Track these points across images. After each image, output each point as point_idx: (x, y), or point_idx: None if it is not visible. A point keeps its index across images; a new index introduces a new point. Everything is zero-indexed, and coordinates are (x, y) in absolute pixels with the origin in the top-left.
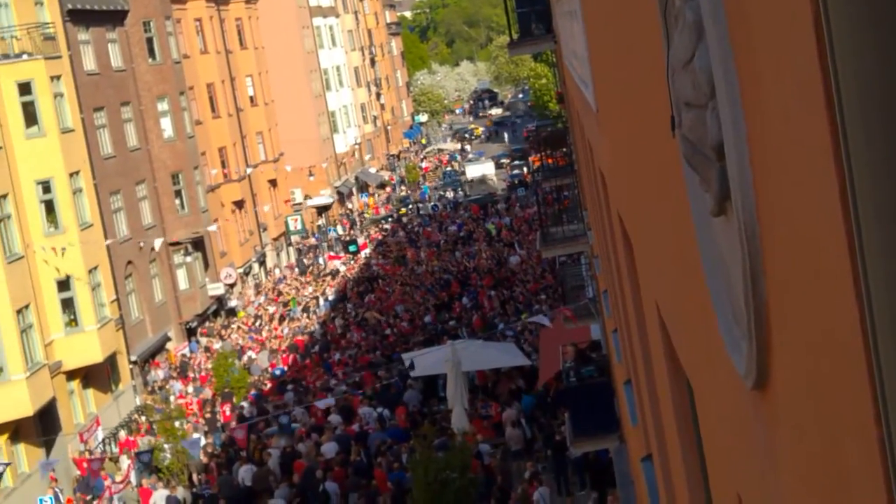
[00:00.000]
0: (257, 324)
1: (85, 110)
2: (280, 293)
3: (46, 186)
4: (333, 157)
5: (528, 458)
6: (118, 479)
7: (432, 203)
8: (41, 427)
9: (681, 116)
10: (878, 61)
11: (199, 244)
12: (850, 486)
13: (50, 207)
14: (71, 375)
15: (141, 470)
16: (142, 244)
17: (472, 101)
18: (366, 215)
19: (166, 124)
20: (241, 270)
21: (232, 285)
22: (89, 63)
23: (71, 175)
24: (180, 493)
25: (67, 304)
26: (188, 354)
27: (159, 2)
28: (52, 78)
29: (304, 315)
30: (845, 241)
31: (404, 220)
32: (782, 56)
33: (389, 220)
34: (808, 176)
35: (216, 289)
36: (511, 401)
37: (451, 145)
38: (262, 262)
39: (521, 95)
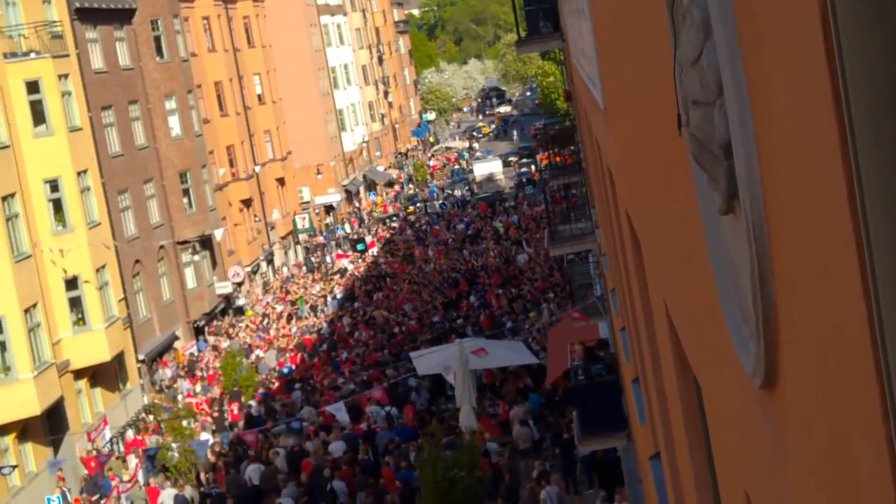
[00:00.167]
0: (265, 322)
1: (93, 109)
2: (288, 292)
3: (54, 185)
4: (341, 155)
5: (536, 456)
6: (125, 478)
7: (440, 201)
8: (49, 426)
9: (688, 114)
10: (885, 59)
11: (206, 243)
12: (859, 483)
13: (58, 206)
14: (78, 374)
15: (148, 469)
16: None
17: (479, 99)
18: (374, 214)
19: (174, 123)
20: (248, 269)
21: (240, 284)
22: (97, 61)
23: (79, 174)
24: (188, 492)
25: (75, 303)
26: (196, 353)
27: (167, 0)
28: (59, 76)
29: (312, 314)
30: (853, 240)
31: (412, 218)
32: (790, 54)
33: (394, 219)
34: (815, 174)
35: (224, 287)
36: (518, 399)
37: (459, 143)
38: (270, 261)
39: (528, 93)
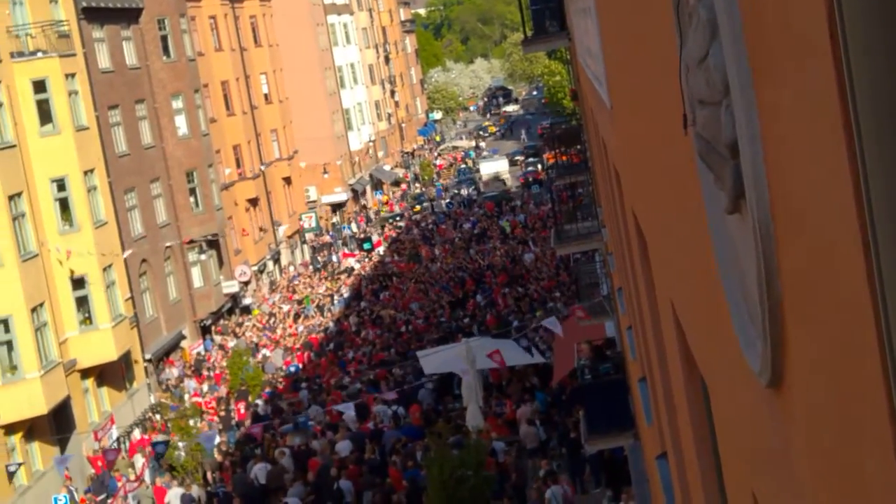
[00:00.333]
0: (272, 322)
1: (99, 108)
2: (294, 291)
3: (61, 184)
4: (348, 154)
5: (543, 456)
6: (132, 477)
7: (447, 200)
8: (55, 425)
9: (694, 114)
10: (891, 58)
11: (213, 242)
12: (866, 484)
13: (64, 205)
14: (85, 374)
15: (155, 469)
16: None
17: (486, 99)
18: (381, 213)
19: (181, 122)
20: (255, 268)
21: (246, 283)
22: (104, 61)
23: (85, 173)
24: (195, 491)
25: (82, 303)
26: (203, 352)
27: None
28: (66, 76)
29: (319, 313)
30: (859, 239)
31: (417, 217)
32: (796, 53)
33: (398, 218)
34: (822, 173)
35: (231, 286)
36: (524, 398)
37: (466, 143)
38: (277, 260)
39: (535, 92)
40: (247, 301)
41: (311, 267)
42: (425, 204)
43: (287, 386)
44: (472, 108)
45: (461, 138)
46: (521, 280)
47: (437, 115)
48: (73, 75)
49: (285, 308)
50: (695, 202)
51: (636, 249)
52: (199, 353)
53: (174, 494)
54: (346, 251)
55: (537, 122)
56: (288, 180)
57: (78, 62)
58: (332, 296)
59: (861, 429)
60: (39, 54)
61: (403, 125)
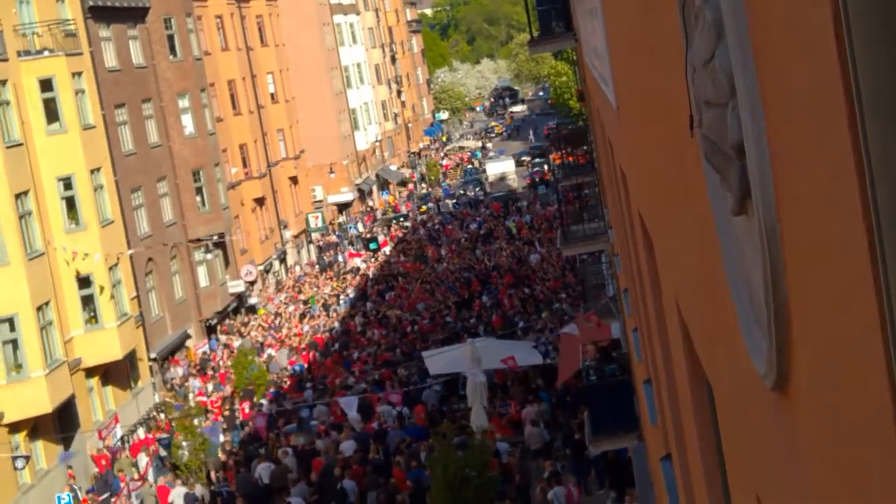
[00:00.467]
0: (277, 321)
1: (106, 107)
2: (300, 290)
3: (67, 183)
4: (354, 154)
5: (547, 457)
6: (136, 476)
7: (454, 201)
8: (60, 424)
9: (701, 115)
10: None
11: (219, 242)
12: (871, 486)
13: (71, 204)
14: (90, 372)
15: (159, 468)
16: (166, 243)
17: (492, 99)
18: (387, 213)
19: (187, 121)
20: (261, 268)
21: (252, 283)
22: (110, 60)
23: (92, 172)
24: (198, 490)
25: (87, 301)
26: (208, 352)
27: None
28: (73, 74)
29: (324, 313)
30: (865, 240)
31: (424, 217)
32: (802, 55)
33: (401, 219)
34: (828, 174)
35: (236, 286)
36: (529, 399)
37: (473, 143)
38: (283, 260)
39: (541, 93)
40: (252, 301)
41: (317, 267)
42: (431, 204)
43: (292, 386)
44: (478, 109)
45: (468, 138)
46: (527, 281)
47: (444, 115)
48: (79, 74)
49: (291, 308)
50: (701, 203)
51: (642, 250)
52: (204, 353)
53: (177, 493)
54: (352, 251)
55: (543, 123)
56: (294, 180)
57: (85, 61)
58: (337, 296)
59: (866, 431)
60: (46, 53)
61: (410, 125)
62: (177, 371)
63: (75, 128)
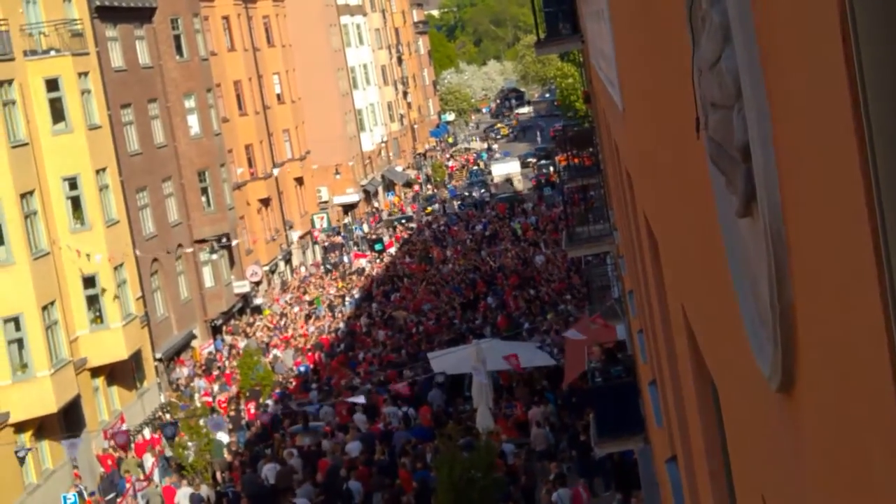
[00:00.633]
0: (283, 322)
1: (112, 107)
2: (306, 291)
3: (73, 183)
4: (360, 155)
5: (553, 458)
6: (141, 476)
7: (460, 202)
8: (65, 424)
9: (707, 117)
10: None
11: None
12: (876, 489)
13: (76, 204)
14: (96, 372)
15: (164, 469)
16: (169, 251)
17: (498, 101)
18: (392, 214)
19: (193, 121)
20: (266, 268)
21: (258, 283)
22: (117, 60)
23: (97, 171)
24: (204, 491)
25: (93, 301)
26: (213, 352)
27: None
28: (79, 74)
29: (330, 314)
30: (871, 242)
31: (428, 218)
32: (808, 58)
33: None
34: (833, 177)
35: (242, 286)
36: (535, 400)
37: (478, 144)
38: (288, 260)
39: (547, 95)
40: (258, 301)
41: (322, 267)
42: (436, 206)
43: (297, 387)
44: (484, 110)
45: (475, 139)
46: (533, 282)
47: (450, 116)
48: (85, 74)
49: (296, 309)
50: (706, 205)
51: (647, 252)
52: (209, 353)
53: (183, 494)
54: (358, 252)
55: (549, 125)
56: (300, 180)
57: (91, 61)
58: (343, 296)
59: (871, 434)
60: (52, 53)
61: (416, 126)
62: (182, 371)
63: (81, 128)
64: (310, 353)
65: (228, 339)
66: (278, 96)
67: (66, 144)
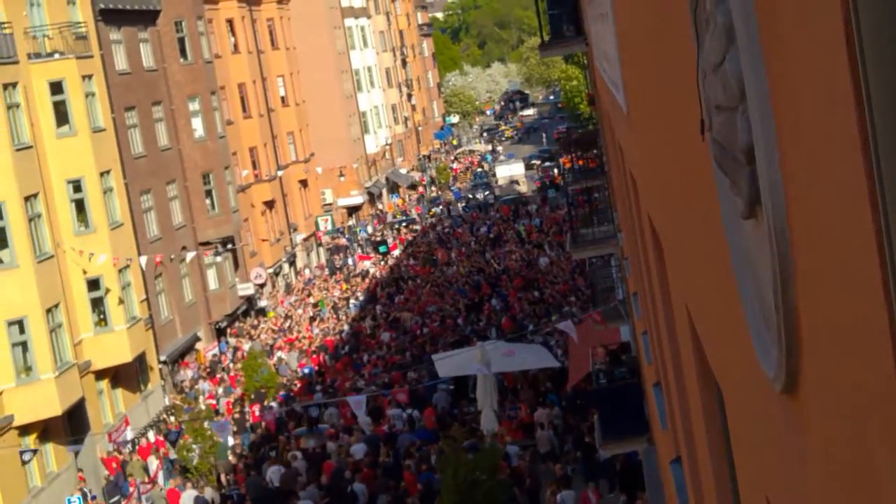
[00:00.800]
0: (287, 324)
1: (116, 110)
2: (310, 293)
3: (77, 185)
4: (364, 157)
5: (557, 460)
6: (146, 479)
7: (464, 204)
8: (70, 427)
9: (711, 119)
10: None
11: (228, 244)
12: (880, 491)
13: (80, 207)
14: (100, 375)
15: (169, 471)
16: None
17: (502, 103)
18: (396, 216)
19: (197, 124)
20: (271, 270)
21: (262, 285)
22: (121, 62)
23: (101, 174)
24: (208, 493)
25: (97, 304)
26: (217, 355)
27: (191, 2)
28: (83, 77)
29: (334, 316)
30: (875, 244)
31: (433, 220)
32: (812, 60)
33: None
34: (838, 179)
35: (246, 289)
36: (540, 402)
37: (483, 146)
38: (293, 263)
39: (551, 97)
40: (262, 303)
41: (326, 270)
42: (441, 208)
43: (302, 389)
44: (488, 113)
45: (479, 141)
46: (537, 284)
47: (454, 118)
48: (90, 77)
49: (300, 311)
50: (711, 207)
51: (652, 254)
52: (213, 356)
53: (188, 497)
54: (362, 254)
55: (554, 127)
56: (304, 183)
57: (95, 64)
58: (347, 298)
59: (876, 436)
60: (56, 56)
61: (420, 129)
62: (186, 374)
63: (85, 130)
64: (314, 356)
65: (233, 341)
66: (282, 99)
67: (70, 147)
